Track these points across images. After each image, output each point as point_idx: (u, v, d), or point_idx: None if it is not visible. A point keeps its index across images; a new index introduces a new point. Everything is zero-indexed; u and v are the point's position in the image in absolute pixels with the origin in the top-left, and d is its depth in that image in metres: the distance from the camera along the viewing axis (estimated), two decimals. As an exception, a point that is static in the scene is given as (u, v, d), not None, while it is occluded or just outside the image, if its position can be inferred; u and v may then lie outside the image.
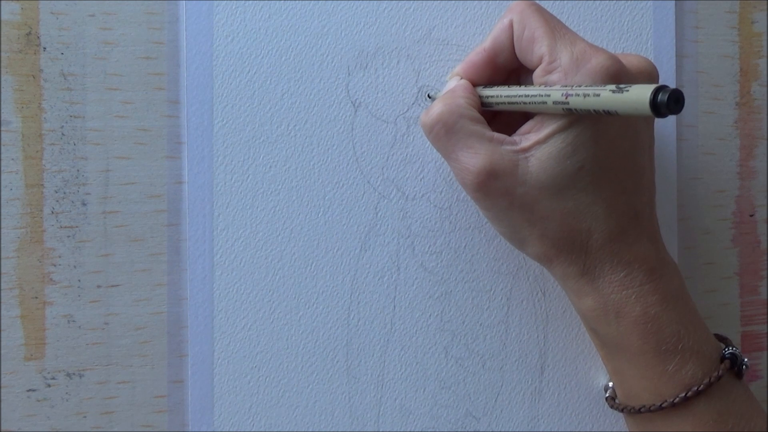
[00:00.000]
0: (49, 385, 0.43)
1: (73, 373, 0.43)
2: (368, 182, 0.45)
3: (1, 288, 0.42)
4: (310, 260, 0.45)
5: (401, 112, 0.45)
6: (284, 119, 0.44)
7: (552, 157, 0.38)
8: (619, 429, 0.47)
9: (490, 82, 0.42)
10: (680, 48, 0.49)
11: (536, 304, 0.47)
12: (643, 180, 0.41)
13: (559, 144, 0.38)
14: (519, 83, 0.43)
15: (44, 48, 0.42)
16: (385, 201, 0.45)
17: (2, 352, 0.42)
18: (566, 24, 0.41)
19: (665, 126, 0.49)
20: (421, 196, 0.46)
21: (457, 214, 0.46)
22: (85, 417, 0.43)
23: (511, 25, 0.40)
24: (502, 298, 0.47)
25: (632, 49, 0.48)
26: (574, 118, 0.38)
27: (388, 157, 0.45)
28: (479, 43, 0.44)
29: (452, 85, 0.42)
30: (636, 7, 0.48)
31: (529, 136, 0.39)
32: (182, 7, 0.43)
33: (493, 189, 0.39)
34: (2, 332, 0.42)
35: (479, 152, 0.39)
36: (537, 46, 0.39)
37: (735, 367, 0.41)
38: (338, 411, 0.45)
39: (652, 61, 0.46)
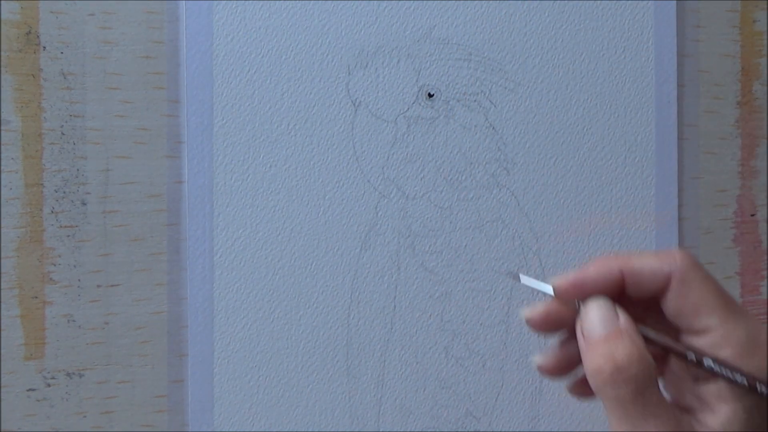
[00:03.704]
0: (49, 385, 0.43)
1: (73, 373, 0.43)
2: (368, 182, 0.45)
3: (1, 288, 0.42)
4: (310, 260, 0.45)
5: (401, 111, 0.45)
6: (284, 119, 0.44)
7: None
8: (620, 429, 0.47)
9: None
10: (681, 47, 0.49)
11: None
12: None
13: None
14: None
15: (44, 47, 0.42)
16: (385, 201, 0.45)
17: (2, 352, 0.42)
18: (566, 24, 0.41)
19: (666, 124, 0.49)
20: (422, 195, 0.46)
21: (457, 214, 0.46)
22: (85, 417, 0.43)
23: (667, 277, 0.36)
24: (502, 298, 0.47)
25: (633, 48, 0.48)
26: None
27: (388, 157, 0.45)
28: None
29: (597, 309, 0.35)
30: (637, 6, 0.48)
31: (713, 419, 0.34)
32: (182, 6, 0.43)
33: None
34: (2, 332, 0.42)
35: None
36: (705, 317, 0.35)
37: None
38: (338, 411, 0.45)
39: (652, 60, 0.46)
